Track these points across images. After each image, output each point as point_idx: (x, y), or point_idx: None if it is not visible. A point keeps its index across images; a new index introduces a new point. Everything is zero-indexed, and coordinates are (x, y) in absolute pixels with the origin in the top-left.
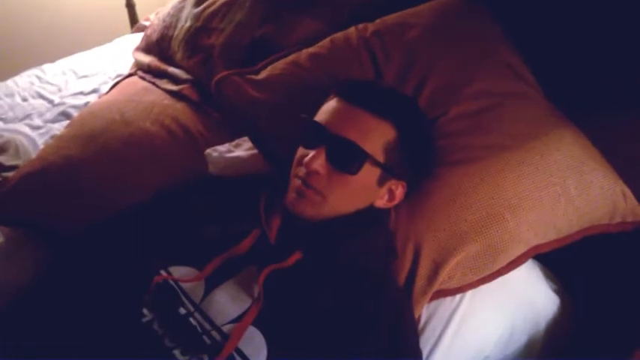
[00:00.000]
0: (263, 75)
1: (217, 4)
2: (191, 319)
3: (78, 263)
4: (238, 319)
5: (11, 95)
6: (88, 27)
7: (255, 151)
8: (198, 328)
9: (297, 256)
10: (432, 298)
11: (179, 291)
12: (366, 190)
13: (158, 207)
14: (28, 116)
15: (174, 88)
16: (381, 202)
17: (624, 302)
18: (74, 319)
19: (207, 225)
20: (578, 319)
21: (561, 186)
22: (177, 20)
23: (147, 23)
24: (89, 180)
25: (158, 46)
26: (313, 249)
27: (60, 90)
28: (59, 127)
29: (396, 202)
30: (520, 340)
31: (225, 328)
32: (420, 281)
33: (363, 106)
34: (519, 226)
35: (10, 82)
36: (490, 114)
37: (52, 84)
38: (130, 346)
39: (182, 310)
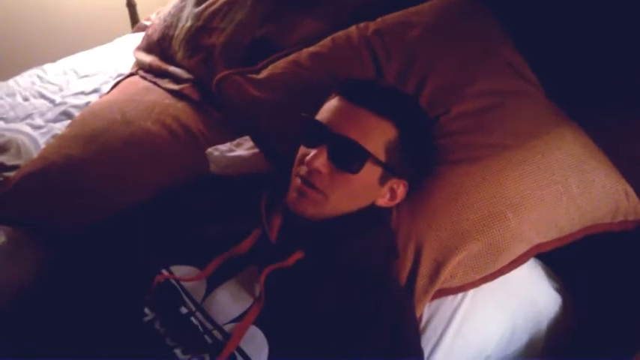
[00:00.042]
0: (264, 74)
1: (218, 3)
2: (192, 319)
3: (79, 263)
4: (240, 319)
5: (12, 95)
6: (89, 26)
7: (256, 150)
8: (200, 328)
9: (298, 256)
10: (434, 297)
11: (180, 290)
12: (367, 189)
13: (159, 206)
14: (29, 116)
15: (175, 87)
16: (383, 201)
17: (626, 302)
18: (75, 318)
19: (208, 224)
20: (579, 318)
21: (563, 185)
22: (178, 20)
23: (148, 23)
24: (90, 179)
25: (159, 45)
26: (314, 248)
27: (61, 90)
28: (60, 127)
29: (397, 201)
30: (521, 339)
31: (227, 328)
32: (421, 280)
33: (364, 105)
34: (521, 224)
35: (11, 82)
36: (492, 113)
37: (53, 84)
38: (132, 346)
39: (183, 310)
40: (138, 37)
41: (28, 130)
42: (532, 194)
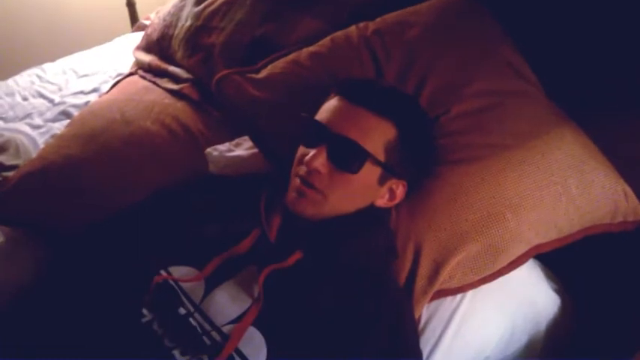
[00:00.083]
0: (263, 74)
1: (218, 2)
2: (191, 320)
3: (78, 263)
4: (238, 320)
5: (12, 94)
6: (89, 26)
7: (255, 150)
8: (198, 329)
9: (297, 256)
10: (433, 298)
11: (179, 291)
12: (366, 189)
13: (158, 206)
14: (28, 115)
15: (174, 87)
16: (382, 202)
17: (625, 302)
18: (74, 318)
19: (207, 224)
20: (579, 319)
21: (562, 185)
22: (178, 19)
23: (147, 22)
24: (89, 179)
25: (158, 45)
26: (313, 248)
27: (60, 89)
28: (59, 127)
29: (396, 201)
30: (521, 340)
31: (225, 329)
32: (420, 281)
33: (364, 105)
34: (520, 225)
35: (10, 82)
36: (491, 113)
37: (52, 83)
38: (130, 346)
39: (182, 311)
40: (137, 37)
41: (27, 129)
42: (531, 195)
